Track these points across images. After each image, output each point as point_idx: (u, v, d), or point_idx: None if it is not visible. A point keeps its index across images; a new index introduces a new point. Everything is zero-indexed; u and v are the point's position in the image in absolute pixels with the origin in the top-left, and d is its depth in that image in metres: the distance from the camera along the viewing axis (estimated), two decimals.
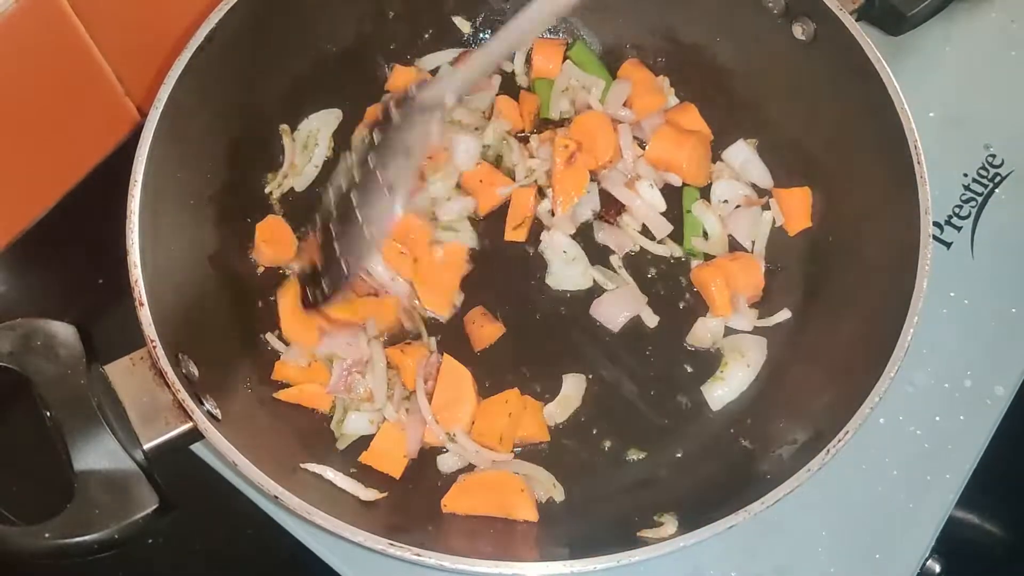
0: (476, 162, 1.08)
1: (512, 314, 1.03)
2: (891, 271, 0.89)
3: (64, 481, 0.79)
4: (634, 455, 0.96)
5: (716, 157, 1.11)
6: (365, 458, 0.92)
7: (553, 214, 1.06)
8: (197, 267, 0.98)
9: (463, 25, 1.17)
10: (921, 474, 0.97)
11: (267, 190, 1.08)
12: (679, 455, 0.95)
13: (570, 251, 1.04)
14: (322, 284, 0.91)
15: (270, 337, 0.98)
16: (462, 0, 1.16)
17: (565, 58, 1.15)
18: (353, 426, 0.94)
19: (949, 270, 1.08)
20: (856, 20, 0.98)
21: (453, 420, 0.93)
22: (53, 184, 1.12)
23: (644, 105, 1.12)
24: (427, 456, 0.95)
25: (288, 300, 0.98)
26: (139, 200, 0.87)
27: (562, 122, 1.13)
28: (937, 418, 1.01)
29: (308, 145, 1.11)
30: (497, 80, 1.16)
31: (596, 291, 1.04)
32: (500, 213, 1.08)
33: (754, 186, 1.10)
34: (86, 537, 0.76)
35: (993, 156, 1.16)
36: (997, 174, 1.15)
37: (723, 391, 0.98)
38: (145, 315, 0.83)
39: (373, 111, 1.11)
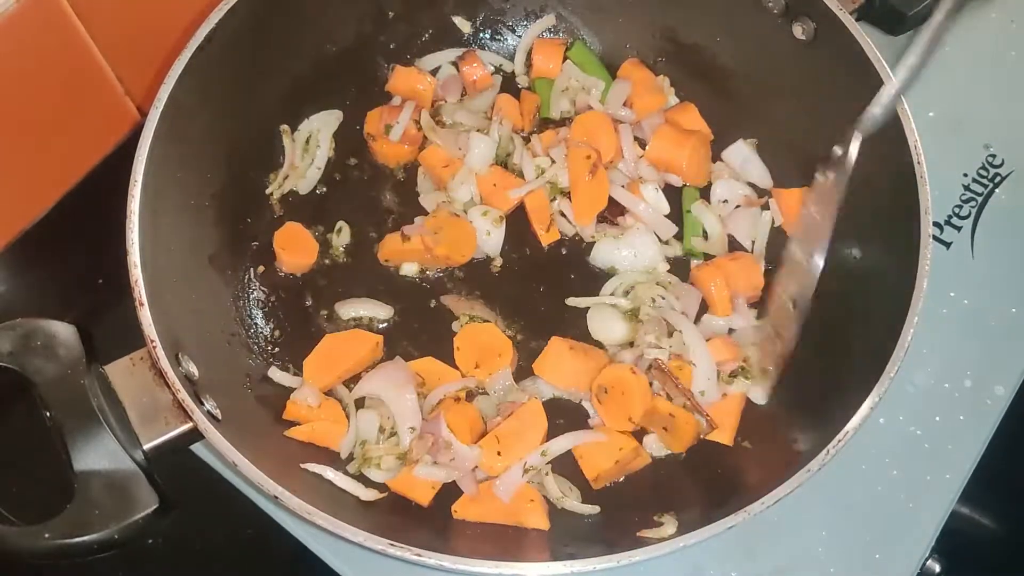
0: (489, 163, 1.08)
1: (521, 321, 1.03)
2: (891, 271, 0.89)
3: (64, 481, 0.79)
4: None
5: (716, 157, 1.11)
6: (393, 485, 0.90)
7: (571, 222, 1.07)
8: (197, 267, 0.97)
9: (463, 25, 1.17)
10: (921, 474, 0.97)
11: (268, 191, 1.08)
12: (680, 455, 0.95)
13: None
14: None
15: (275, 372, 0.97)
16: (462, 0, 1.16)
17: (565, 58, 1.15)
18: (379, 475, 0.92)
19: (949, 270, 1.08)
20: (856, 20, 0.98)
21: (515, 454, 0.91)
22: (53, 184, 1.12)
23: (644, 105, 1.12)
24: None
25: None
26: (139, 200, 0.87)
27: (563, 122, 1.13)
28: (937, 418, 1.01)
29: (309, 146, 1.11)
30: (498, 80, 1.16)
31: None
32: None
33: (753, 186, 1.11)
34: (86, 537, 0.76)
35: (993, 156, 1.16)
36: (997, 174, 1.15)
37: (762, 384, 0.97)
38: (145, 315, 0.83)
39: (375, 114, 1.11)
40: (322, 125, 1.12)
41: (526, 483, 0.90)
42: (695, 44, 1.14)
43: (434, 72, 1.16)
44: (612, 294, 1.02)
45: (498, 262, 1.06)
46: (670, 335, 0.97)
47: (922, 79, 1.18)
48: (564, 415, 0.95)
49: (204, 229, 1.00)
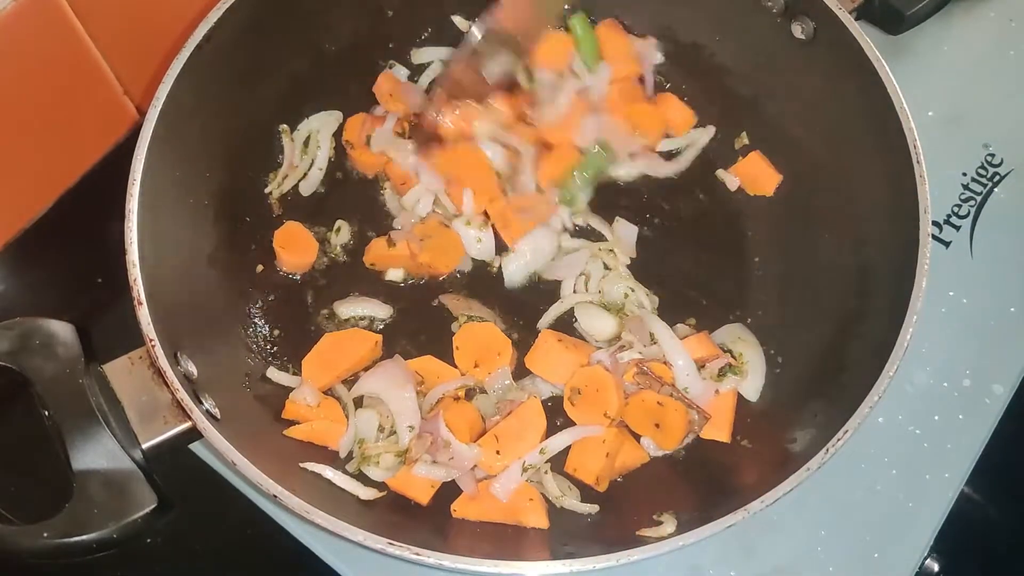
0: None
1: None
2: (890, 270, 0.89)
3: (63, 480, 0.79)
4: None
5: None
6: (392, 484, 0.90)
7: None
8: (196, 266, 0.97)
9: (462, 24, 1.17)
10: (920, 473, 0.97)
11: (267, 190, 1.08)
12: (679, 454, 0.95)
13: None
14: None
15: (274, 372, 0.97)
16: None
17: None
18: (378, 474, 0.92)
19: (948, 269, 1.08)
20: (855, 19, 0.98)
21: (514, 453, 0.91)
22: (52, 183, 1.12)
23: (617, 71, 1.11)
24: None
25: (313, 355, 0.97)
26: (138, 199, 0.87)
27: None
28: (936, 417, 1.01)
29: (309, 146, 1.10)
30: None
31: None
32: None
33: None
34: (85, 536, 0.76)
35: (992, 155, 1.16)
36: (996, 173, 1.15)
37: (752, 380, 0.97)
38: (144, 314, 0.83)
39: (356, 120, 1.11)
40: (321, 125, 1.11)
41: (525, 482, 0.90)
42: (694, 43, 1.14)
43: (427, 66, 1.15)
44: (575, 291, 1.02)
45: (496, 262, 1.05)
46: (654, 341, 0.97)
47: (921, 78, 1.19)
48: (563, 414, 0.95)
49: (203, 228, 1.00)
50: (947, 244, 1.11)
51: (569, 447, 0.92)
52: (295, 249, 1.04)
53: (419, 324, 1.02)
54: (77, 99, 1.08)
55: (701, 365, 0.96)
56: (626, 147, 1.09)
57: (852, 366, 0.89)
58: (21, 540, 0.76)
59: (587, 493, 0.92)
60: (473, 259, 1.05)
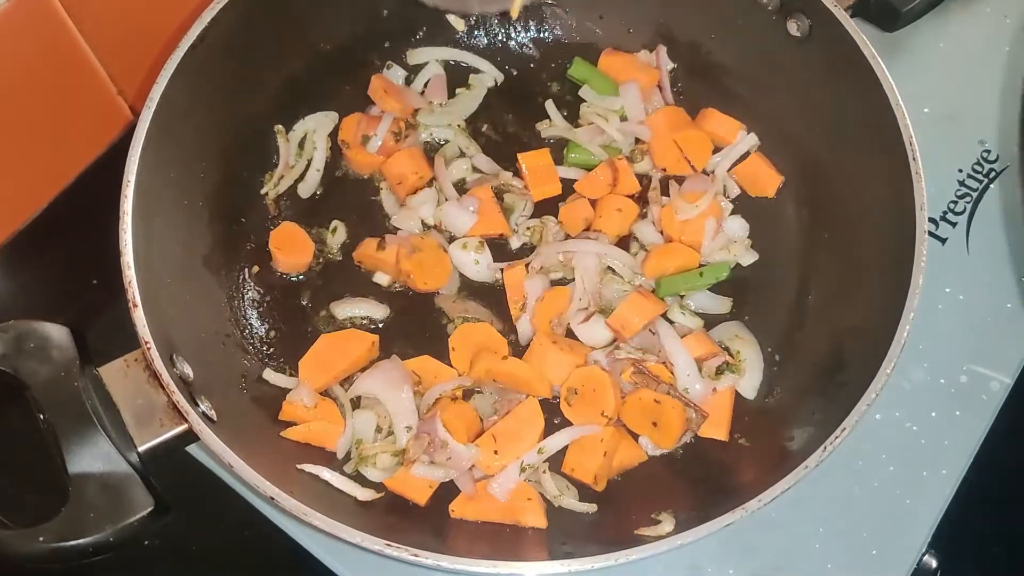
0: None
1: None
2: (887, 267, 0.89)
3: (58, 484, 0.78)
4: None
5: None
6: (390, 484, 0.90)
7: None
8: (191, 267, 0.97)
9: (457, 23, 1.17)
10: (917, 470, 0.97)
11: (263, 191, 1.08)
12: (677, 453, 0.95)
13: None
14: None
15: (270, 373, 0.96)
16: None
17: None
18: (375, 474, 0.91)
19: (944, 265, 1.08)
20: (851, 16, 0.98)
21: (512, 453, 0.91)
22: (45, 184, 1.11)
23: (644, 85, 1.11)
24: None
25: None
26: (132, 200, 0.86)
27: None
28: (933, 414, 1.01)
29: (304, 146, 1.10)
30: (483, 90, 1.14)
31: None
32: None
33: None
34: (81, 540, 0.76)
35: (988, 151, 1.16)
36: (992, 169, 1.15)
37: (750, 378, 0.97)
38: (139, 316, 0.82)
39: (351, 120, 1.10)
40: (317, 126, 1.11)
41: (523, 481, 0.90)
42: (691, 41, 1.13)
43: (422, 67, 1.15)
44: (580, 299, 1.00)
45: (496, 282, 1.04)
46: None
47: (917, 75, 1.19)
48: (561, 413, 0.95)
49: (198, 229, 0.99)
50: (943, 240, 1.11)
51: (567, 446, 0.92)
52: (291, 250, 1.04)
53: (416, 324, 1.02)
54: (70, 100, 1.08)
55: (699, 363, 0.96)
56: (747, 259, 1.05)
57: (849, 364, 0.89)
58: (17, 544, 0.76)
59: (585, 492, 0.92)
60: (472, 280, 1.04)
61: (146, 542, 0.92)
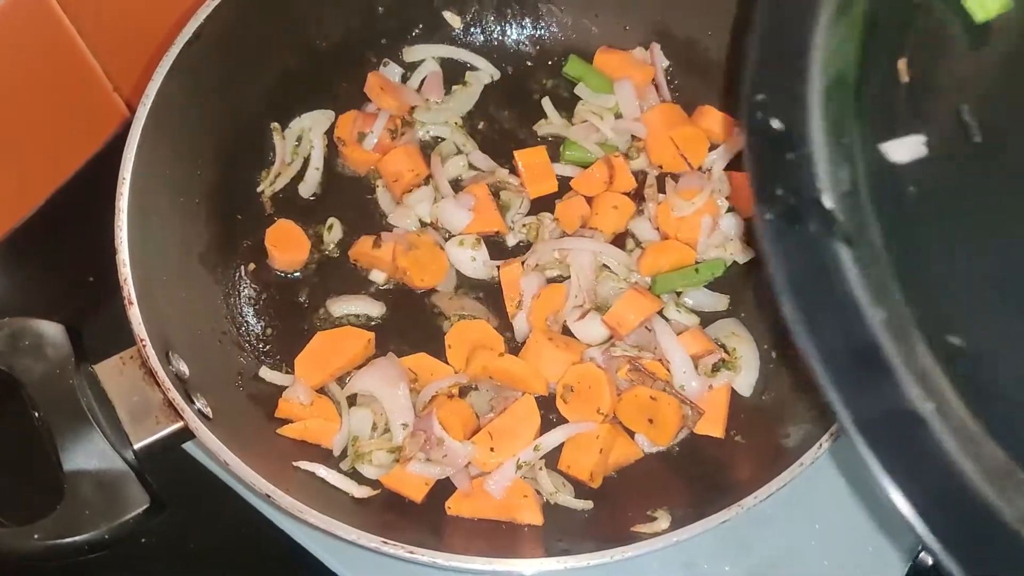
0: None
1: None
2: None
3: (54, 481, 0.79)
4: None
5: None
6: (386, 482, 0.90)
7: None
8: (187, 265, 0.97)
9: (453, 20, 1.17)
10: None
11: (259, 188, 1.08)
12: (673, 450, 0.95)
13: None
14: None
15: (266, 371, 0.96)
16: None
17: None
18: (372, 471, 0.92)
19: None
20: None
21: (508, 450, 0.91)
22: (41, 182, 1.11)
23: (637, 84, 1.11)
24: None
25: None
26: (127, 197, 0.86)
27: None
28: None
29: (301, 145, 1.10)
30: (479, 88, 1.14)
31: None
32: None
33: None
34: (76, 538, 0.76)
35: None
36: None
37: (746, 375, 0.97)
38: (135, 314, 0.82)
39: (347, 118, 1.10)
40: (313, 123, 1.11)
41: (519, 479, 0.90)
42: (687, 38, 1.13)
43: (418, 64, 1.15)
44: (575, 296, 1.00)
45: (493, 279, 1.04)
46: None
47: None
48: (557, 411, 0.95)
49: (194, 227, 0.99)
50: None
51: (563, 444, 0.92)
52: (287, 247, 1.04)
53: (412, 321, 1.02)
54: (66, 97, 1.07)
55: (695, 360, 0.96)
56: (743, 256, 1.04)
57: None
58: (12, 542, 0.76)
59: (581, 489, 0.92)
60: (469, 277, 1.04)
61: (143, 540, 0.92)
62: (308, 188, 1.09)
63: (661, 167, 1.09)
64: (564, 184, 1.08)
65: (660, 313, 0.99)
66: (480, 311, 1.01)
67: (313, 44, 1.10)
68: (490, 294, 1.03)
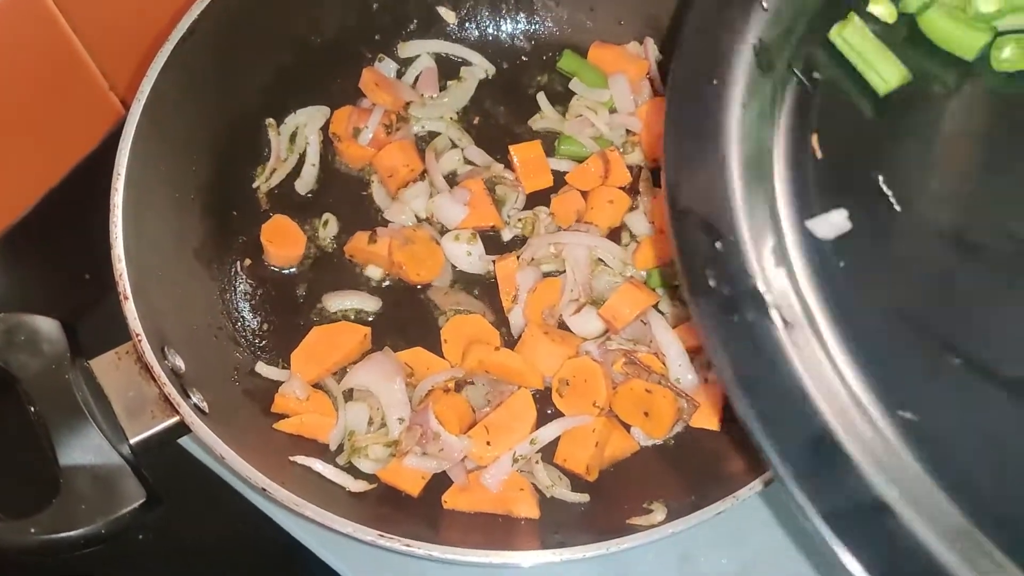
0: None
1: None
2: None
3: (50, 476, 0.79)
4: None
5: None
6: (383, 476, 0.90)
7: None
8: (183, 260, 0.97)
9: (448, 16, 1.17)
10: None
11: (254, 184, 1.08)
12: (668, 443, 0.95)
13: None
14: None
15: (262, 366, 0.96)
16: None
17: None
18: (368, 465, 0.92)
19: None
20: None
21: (504, 444, 0.91)
22: (37, 179, 1.11)
23: (631, 78, 1.11)
24: None
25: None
26: (123, 194, 0.86)
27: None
28: None
29: (296, 141, 1.10)
30: (474, 83, 1.14)
31: None
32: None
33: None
34: (72, 532, 0.76)
35: None
36: None
37: None
38: (130, 309, 0.82)
39: (342, 113, 1.10)
40: (308, 119, 1.11)
41: (516, 472, 0.90)
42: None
43: (412, 60, 1.15)
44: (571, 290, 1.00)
45: (489, 274, 1.04)
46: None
47: None
48: (553, 404, 0.95)
49: (190, 222, 0.99)
50: None
51: (559, 437, 0.92)
52: (283, 243, 1.04)
53: (408, 316, 1.02)
54: (61, 94, 1.08)
55: (691, 353, 0.96)
56: None
57: None
58: (8, 536, 0.76)
59: (577, 483, 0.92)
60: (464, 272, 1.04)
61: (139, 535, 0.92)
62: (304, 184, 1.09)
63: (656, 161, 1.09)
64: (559, 179, 1.09)
65: (655, 307, 0.99)
66: (476, 306, 1.02)
67: (308, 40, 1.10)
68: (486, 289, 1.03)
